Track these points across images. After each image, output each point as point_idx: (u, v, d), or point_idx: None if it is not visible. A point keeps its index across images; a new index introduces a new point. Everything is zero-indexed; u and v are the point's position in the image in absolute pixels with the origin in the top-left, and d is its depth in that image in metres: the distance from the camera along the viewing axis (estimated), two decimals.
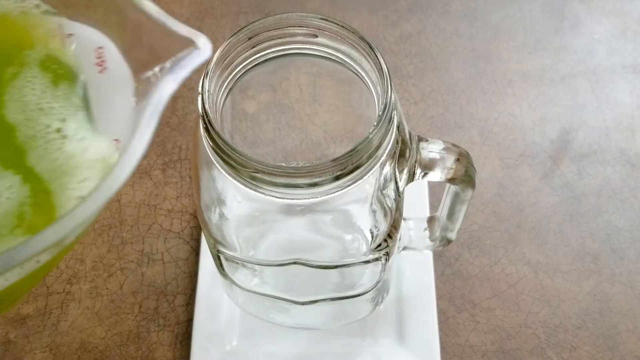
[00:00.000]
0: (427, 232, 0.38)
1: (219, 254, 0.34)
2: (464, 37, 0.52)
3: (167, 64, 0.22)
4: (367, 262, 0.33)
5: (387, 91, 0.26)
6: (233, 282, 0.36)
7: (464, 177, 0.31)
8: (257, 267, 0.34)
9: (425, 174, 0.31)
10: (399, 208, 0.31)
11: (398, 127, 0.28)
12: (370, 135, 0.25)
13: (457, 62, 0.50)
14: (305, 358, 0.39)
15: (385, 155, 0.27)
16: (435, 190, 0.45)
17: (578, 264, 0.43)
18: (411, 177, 0.31)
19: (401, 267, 0.41)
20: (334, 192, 0.26)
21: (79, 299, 0.42)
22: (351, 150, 0.25)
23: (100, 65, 0.24)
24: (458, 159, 0.31)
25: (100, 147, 0.23)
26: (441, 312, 0.41)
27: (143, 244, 0.43)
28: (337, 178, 0.26)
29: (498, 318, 0.41)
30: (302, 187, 0.25)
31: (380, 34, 0.52)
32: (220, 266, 0.35)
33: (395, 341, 0.39)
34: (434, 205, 0.44)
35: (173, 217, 0.44)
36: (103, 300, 0.42)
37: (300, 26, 0.28)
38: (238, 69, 0.28)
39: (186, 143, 0.47)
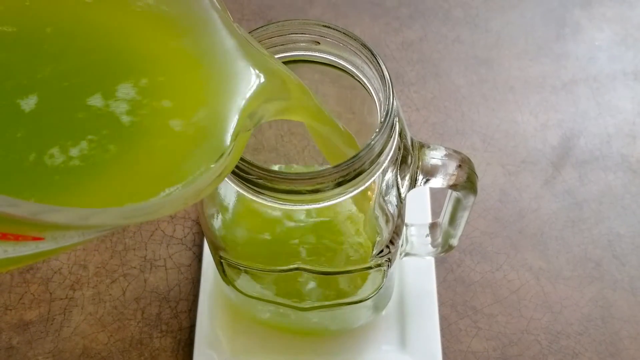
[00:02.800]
0: (429, 239, 0.38)
1: (221, 260, 0.34)
2: (465, 44, 0.52)
3: None
4: (369, 268, 0.33)
5: (389, 98, 0.26)
6: (235, 288, 0.36)
7: (466, 183, 0.31)
8: (259, 273, 0.34)
9: (427, 180, 0.31)
10: (400, 214, 0.31)
11: (400, 134, 0.28)
12: (373, 142, 0.25)
13: (458, 69, 0.51)
14: None
15: (387, 161, 0.27)
16: (437, 197, 0.45)
17: (580, 270, 0.43)
18: (413, 184, 0.31)
19: (403, 273, 0.41)
20: (336, 199, 0.27)
21: (82, 305, 0.42)
22: (353, 157, 0.25)
23: None
24: (460, 166, 0.31)
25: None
26: (443, 318, 0.41)
27: (146, 250, 0.43)
28: (339, 184, 0.26)
29: (500, 324, 0.41)
30: (304, 193, 0.26)
31: (382, 41, 0.52)
32: (222, 272, 0.35)
33: (397, 347, 0.39)
34: (435, 211, 0.44)
35: (176, 224, 0.44)
36: (106, 306, 0.42)
37: (302, 33, 0.28)
38: None
39: None
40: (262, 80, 0.23)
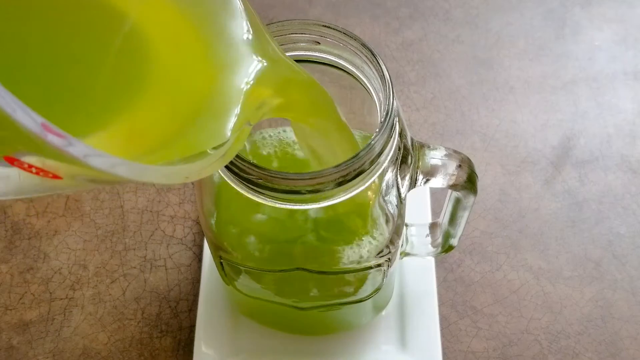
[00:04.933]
0: (429, 239, 0.38)
1: (222, 260, 0.34)
2: (465, 44, 0.52)
3: None
4: (369, 268, 0.33)
5: (389, 98, 0.26)
6: (235, 288, 0.36)
7: (466, 183, 0.31)
8: (259, 273, 0.34)
9: (427, 180, 0.31)
10: (401, 214, 0.31)
11: (400, 134, 0.28)
12: (373, 142, 0.25)
13: (458, 69, 0.51)
14: None
15: (387, 161, 0.27)
16: (437, 197, 0.45)
17: (580, 270, 0.43)
18: (413, 184, 0.31)
19: (403, 273, 0.41)
20: (336, 199, 0.27)
21: (82, 305, 0.42)
22: (353, 157, 0.25)
23: None
24: (460, 166, 0.31)
25: None
26: (443, 318, 0.41)
27: (146, 250, 0.43)
28: (339, 184, 0.26)
29: (500, 324, 0.41)
30: (304, 193, 0.26)
31: (382, 41, 0.52)
32: (222, 272, 0.35)
33: (397, 347, 0.39)
34: (435, 211, 0.44)
35: (176, 224, 0.44)
36: (106, 306, 0.42)
37: (302, 33, 0.28)
38: None
39: None
40: (266, 68, 0.23)
